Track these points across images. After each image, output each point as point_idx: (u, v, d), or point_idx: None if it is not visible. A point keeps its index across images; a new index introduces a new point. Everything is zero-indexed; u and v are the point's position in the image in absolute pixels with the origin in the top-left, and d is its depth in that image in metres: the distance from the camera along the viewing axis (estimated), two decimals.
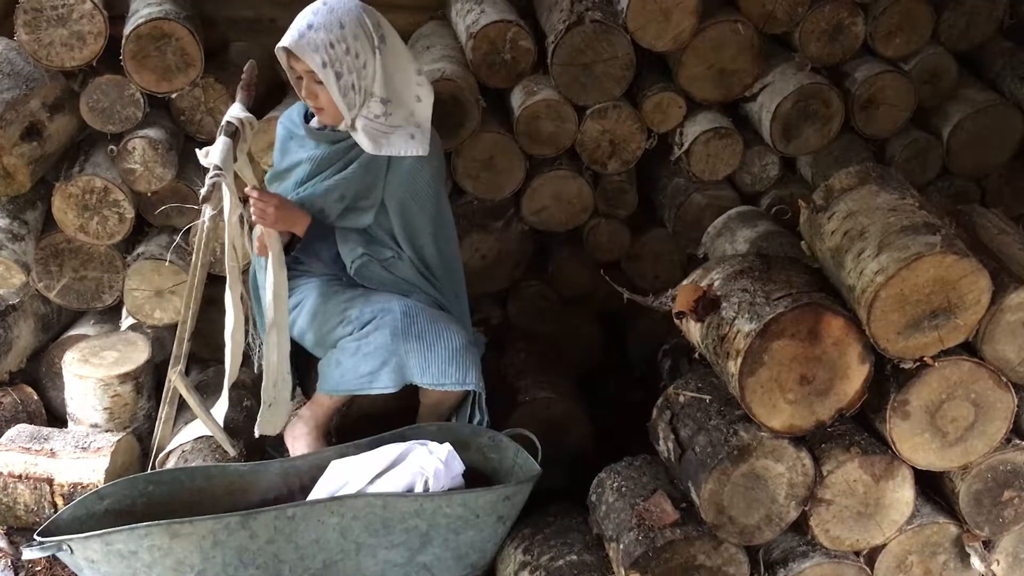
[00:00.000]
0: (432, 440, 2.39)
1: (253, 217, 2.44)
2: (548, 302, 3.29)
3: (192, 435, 2.65)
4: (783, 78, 3.06)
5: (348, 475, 2.31)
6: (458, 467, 2.31)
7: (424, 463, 2.28)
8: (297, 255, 2.60)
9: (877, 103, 3.13)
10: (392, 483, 2.27)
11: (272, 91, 3.10)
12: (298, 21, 2.36)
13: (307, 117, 2.56)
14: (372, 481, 2.28)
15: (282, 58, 2.41)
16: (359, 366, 2.45)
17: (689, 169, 3.15)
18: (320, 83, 2.35)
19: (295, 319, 2.62)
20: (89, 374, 2.73)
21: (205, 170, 2.39)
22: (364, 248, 2.54)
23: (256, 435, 2.58)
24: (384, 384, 2.45)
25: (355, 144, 2.45)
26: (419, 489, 2.25)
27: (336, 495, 2.26)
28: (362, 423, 2.67)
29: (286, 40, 2.33)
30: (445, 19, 3.37)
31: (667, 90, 3.08)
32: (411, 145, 2.43)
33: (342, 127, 2.44)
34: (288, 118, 2.62)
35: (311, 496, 2.32)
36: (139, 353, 2.83)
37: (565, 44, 2.92)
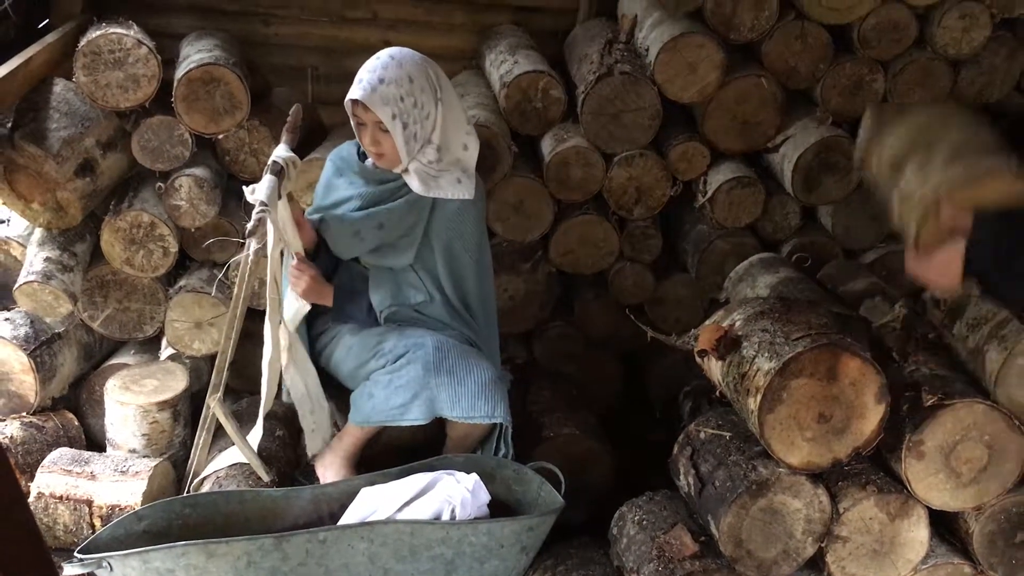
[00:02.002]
0: (459, 471, 2.46)
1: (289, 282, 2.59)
2: (572, 343, 3.37)
3: (227, 462, 2.73)
4: (805, 131, 3.16)
5: (377, 502, 2.38)
6: (484, 497, 2.38)
7: (452, 492, 2.35)
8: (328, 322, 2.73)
9: None
10: (420, 511, 2.33)
11: (312, 134, 3.23)
12: (367, 74, 2.44)
13: (360, 155, 2.67)
14: (401, 508, 2.35)
15: (348, 106, 2.49)
16: (391, 398, 2.53)
17: (712, 216, 3.24)
18: (386, 132, 2.45)
19: (330, 352, 2.72)
20: (129, 401, 2.82)
21: (249, 207, 2.50)
22: (392, 300, 2.65)
23: (309, 456, 2.70)
24: (415, 416, 2.52)
25: (404, 184, 2.56)
26: (446, 517, 2.32)
27: (366, 521, 2.33)
28: (390, 455, 2.74)
29: (357, 93, 2.42)
30: (479, 69, 3.51)
31: (692, 140, 3.18)
32: (458, 189, 2.55)
33: (396, 170, 2.56)
34: (339, 155, 2.73)
35: (341, 522, 2.39)
36: (177, 382, 2.92)
37: (595, 94, 3.04)
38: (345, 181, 2.68)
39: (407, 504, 2.36)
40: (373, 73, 2.43)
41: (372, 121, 2.46)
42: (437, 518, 2.32)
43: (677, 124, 3.23)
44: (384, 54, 2.49)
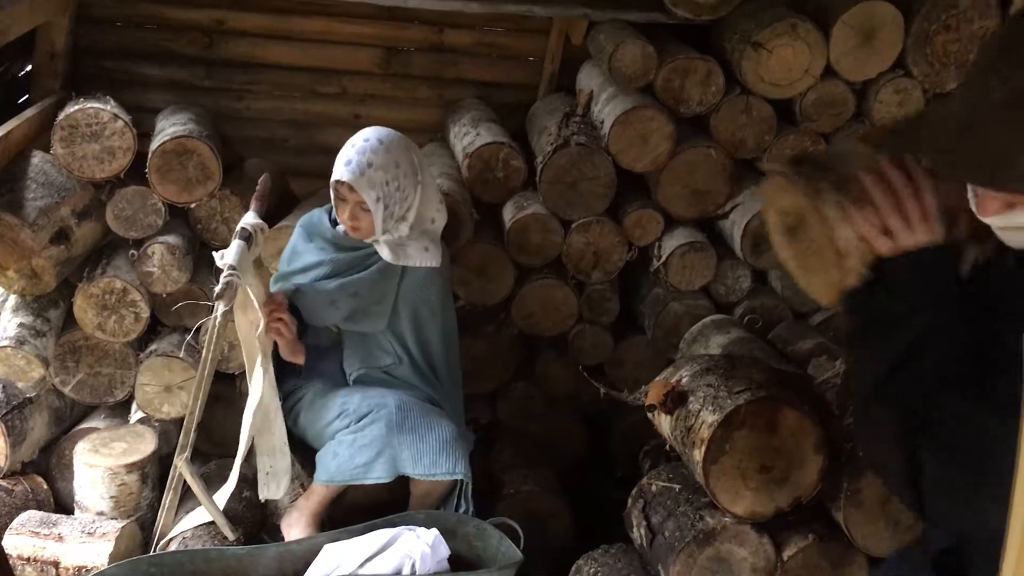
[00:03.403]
0: (421, 527, 2.52)
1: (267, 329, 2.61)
2: (535, 403, 3.45)
3: (193, 523, 2.78)
4: (753, 198, 3.30)
5: (340, 558, 2.44)
6: (444, 551, 2.45)
7: (412, 547, 2.42)
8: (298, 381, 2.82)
9: None
10: (381, 566, 2.39)
11: (282, 203, 3.35)
12: (356, 156, 2.54)
13: (331, 221, 2.77)
14: (363, 564, 2.41)
15: (332, 183, 2.60)
16: (355, 457, 2.60)
17: (667, 280, 3.36)
18: (367, 211, 2.57)
19: (296, 413, 2.80)
20: (98, 463, 2.86)
21: (219, 271, 2.60)
22: (361, 363, 2.75)
23: (261, 499, 2.73)
24: (378, 475, 2.59)
25: (374, 252, 2.68)
26: (406, 572, 2.38)
27: None
28: (353, 515, 2.78)
29: (346, 175, 2.53)
30: (444, 140, 3.66)
31: (646, 207, 3.31)
32: (426, 257, 2.67)
33: (367, 240, 2.68)
34: (309, 221, 2.82)
35: None
36: (146, 445, 2.97)
37: (552, 164, 3.18)
38: (315, 247, 2.77)
39: (369, 560, 2.42)
40: (362, 156, 2.54)
41: (355, 200, 2.57)
42: (398, 573, 2.38)
43: (632, 192, 3.36)
44: (372, 137, 2.60)
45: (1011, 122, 1.23)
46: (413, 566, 2.39)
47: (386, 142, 2.59)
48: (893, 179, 1.39)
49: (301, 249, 2.80)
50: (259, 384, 2.58)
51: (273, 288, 2.83)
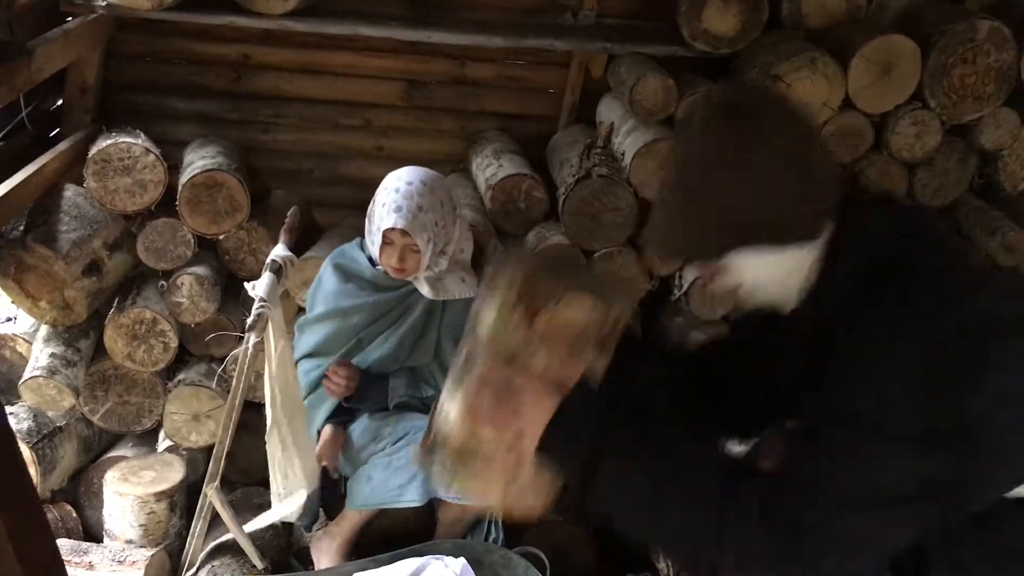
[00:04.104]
0: (448, 556, 2.55)
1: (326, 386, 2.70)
2: None
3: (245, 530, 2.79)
4: None
5: None
6: None
7: None
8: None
9: None
10: None
11: (308, 233, 3.39)
12: (405, 201, 2.56)
13: (369, 260, 2.77)
14: None
15: (381, 231, 2.60)
16: (390, 480, 2.62)
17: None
18: (416, 252, 2.61)
19: None
20: (128, 491, 2.90)
21: (248, 303, 2.65)
22: (405, 390, 2.77)
23: (276, 520, 2.76)
24: (412, 497, 2.58)
25: (413, 290, 2.72)
26: None
27: None
28: (381, 543, 2.81)
29: (400, 222, 2.55)
30: (467, 172, 3.71)
31: None
32: (463, 288, 2.71)
33: (409, 277, 2.71)
34: (343, 259, 2.79)
35: None
36: (175, 473, 3.01)
37: (574, 195, 3.21)
38: (354, 288, 2.75)
39: None
40: (410, 201, 2.57)
41: (404, 244, 2.60)
42: None
43: None
44: (414, 179, 2.62)
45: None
46: None
47: (428, 183, 2.62)
48: (483, 415, 1.43)
49: (337, 290, 2.76)
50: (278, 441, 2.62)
51: (300, 333, 2.85)
